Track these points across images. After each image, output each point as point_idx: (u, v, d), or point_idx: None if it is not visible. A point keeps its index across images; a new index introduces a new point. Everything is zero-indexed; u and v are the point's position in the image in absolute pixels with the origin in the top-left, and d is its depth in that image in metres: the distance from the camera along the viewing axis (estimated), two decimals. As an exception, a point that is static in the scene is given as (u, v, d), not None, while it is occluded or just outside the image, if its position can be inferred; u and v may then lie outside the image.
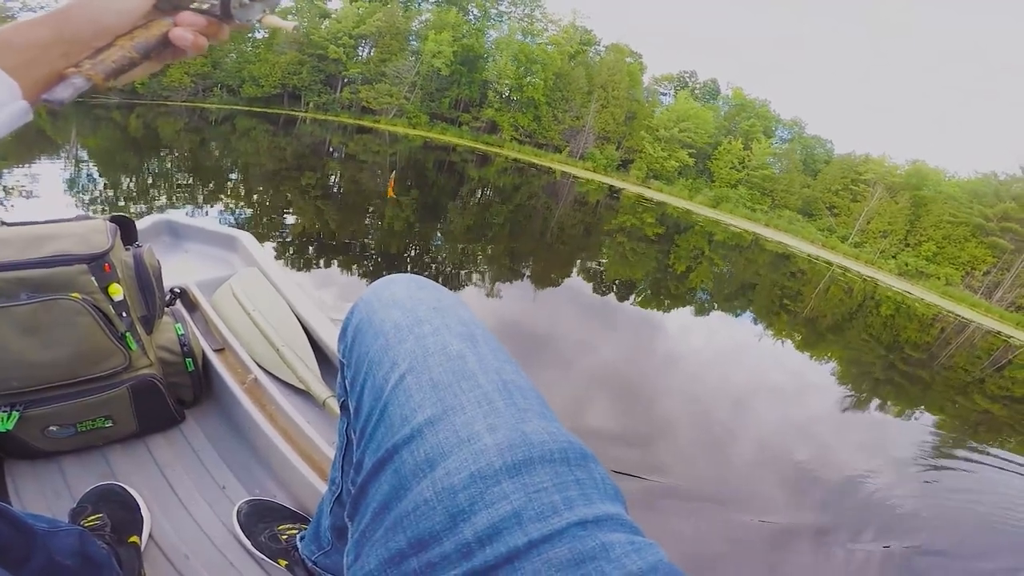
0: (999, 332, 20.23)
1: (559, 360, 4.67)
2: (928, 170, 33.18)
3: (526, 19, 36.89)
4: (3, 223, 0.85)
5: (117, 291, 0.87)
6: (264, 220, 7.04)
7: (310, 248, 6.27)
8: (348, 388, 0.52)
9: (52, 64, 0.36)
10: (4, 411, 0.82)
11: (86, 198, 6.37)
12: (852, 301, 15.88)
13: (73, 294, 0.81)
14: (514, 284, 6.95)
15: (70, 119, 12.62)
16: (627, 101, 36.07)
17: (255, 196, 8.63)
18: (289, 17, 31.19)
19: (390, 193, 9.34)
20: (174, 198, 7.26)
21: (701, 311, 8.88)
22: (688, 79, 43.67)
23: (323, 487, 0.94)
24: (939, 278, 29.20)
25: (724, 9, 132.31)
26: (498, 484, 0.35)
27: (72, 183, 6.75)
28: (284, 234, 6.54)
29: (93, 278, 0.83)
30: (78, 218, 0.91)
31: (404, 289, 0.53)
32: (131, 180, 7.82)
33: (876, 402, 6.56)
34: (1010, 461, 5.39)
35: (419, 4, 36.07)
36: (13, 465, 0.92)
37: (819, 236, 32.23)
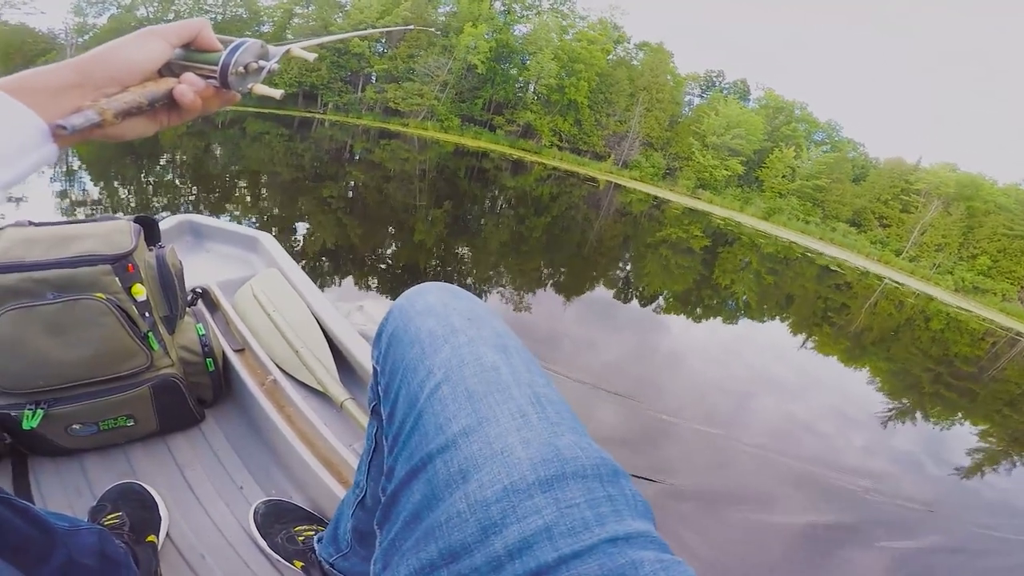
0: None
1: (580, 367, 4.61)
2: (981, 180, 31.51)
3: (557, 14, 34.38)
4: (31, 223, 0.86)
5: (140, 291, 0.88)
6: (276, 234, 6.70)
7: (326, 262, 5.98)
8: (381, 394, 0.53)
9: (71, 103, 0.39)
10: (29, 409, 0.84)
11: (79, 212, 5.88)
12: (902, 315, 15.28)
13: (97, 294, 0.82)
14: (552, 297, 6.76)
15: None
16: (670, 104, 34.25)
17: (266, 206, 8.25)
18: (297, 9, 29.65)
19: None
20: (176, 211, 6.76)
21: (759, 325, 8.79)
22: (716, 79, 41.88)
23: (340, 489, 0.93)
24: (995, 293, 27.76)
25: (723, 8, 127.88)
26: (530, 498, 0.35)
27: (63, 195, 6.23)
28: (297, 246, 6.24)
29: (117, 278, 0.84)
30: (103, 218, 0.92)
31: (438, 298, 0.53)
32: (127, 191, 7.36)
33: (922, 411, 6.46)
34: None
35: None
36: (36, 462, 0.93)
37: (873, 250, 30.82)
